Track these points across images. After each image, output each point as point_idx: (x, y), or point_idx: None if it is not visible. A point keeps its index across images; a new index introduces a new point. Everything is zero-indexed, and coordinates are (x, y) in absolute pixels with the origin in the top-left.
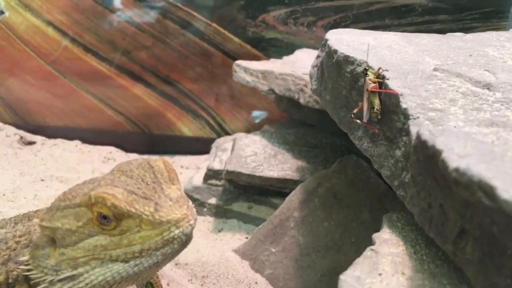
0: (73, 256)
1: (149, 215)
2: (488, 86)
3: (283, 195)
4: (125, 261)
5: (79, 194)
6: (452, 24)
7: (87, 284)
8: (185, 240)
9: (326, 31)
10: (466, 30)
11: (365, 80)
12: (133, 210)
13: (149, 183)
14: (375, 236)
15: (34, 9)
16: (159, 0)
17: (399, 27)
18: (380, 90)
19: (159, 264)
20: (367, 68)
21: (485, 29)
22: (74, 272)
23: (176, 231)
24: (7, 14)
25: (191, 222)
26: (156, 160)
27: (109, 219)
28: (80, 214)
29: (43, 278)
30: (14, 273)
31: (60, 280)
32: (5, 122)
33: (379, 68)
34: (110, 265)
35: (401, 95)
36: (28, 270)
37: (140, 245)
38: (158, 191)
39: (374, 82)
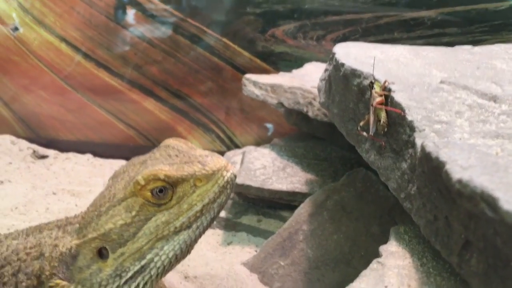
0: (137, 248)
1: (201, 170)
2: (494, 99)
3: (292, 208)
4: (188, 226)
5: (117, 191)
6: (461, 37)
7: (158, 267)
8: (235, 181)
9: (335, 45)
10: (476, 43)
11: (371, 93)
12: (185, 173)
13: (177, 154)
14: (382, 248)
15: (48, 25)
16: (170, 16)
17: (408, 40)
18: (386, 108)
19: (215, 219)
20: (373, 81)
21: (495, 41)
22: (143, 263)
23: (229, 174)
24: (21, 30)
25: (231, 165)
26: (166, 140)
27: (165, 191)
28: (130, 205)
29: None
30: (24, 284)
31: (126, 281)
32: (19, 136)
33: (385, 81)
34: (175, 237)
35: (405, 114)
36: None
37: (200, 203)
38: (191, 155)
39: (380, 95)
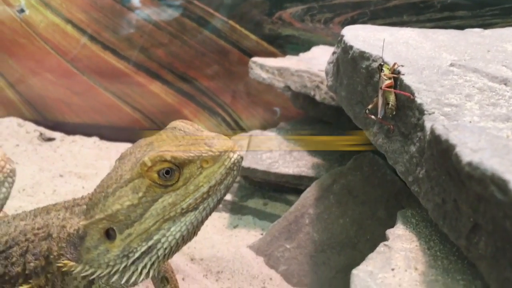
0: (144, 229)
1: (207, 152)
2: (505, 81)
3: (298, 192)
4: (195, 208)
5: (124, 173)
6: (471, 20)
7: (165, 248)
8: (241, 163)
9: (343, 28)
10: (486, 26)
11: (380, 76)
12: (192, 155)
13: (184, 136)
14: (389, 232)
15: (54, 7)
16: None
17: (417, 24)
18: (395, 91)
19: (221, 201)
20: (382, 63)
21: (505, 25)
22: (150, 243)
23: (235, 155)
24: (27, 12)
25: (238, 147)
26: (173, 122)
27: (172, 172)
28: (137, 186)
29: (112, 271)
30: (32, 264)
31: (133, 262)
32: (25, 119)
33: (395, 64)
34: (182, 219)
35: (414, 97)
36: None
37: (207, 184)
38: (197, 137)
39: (389, 78)
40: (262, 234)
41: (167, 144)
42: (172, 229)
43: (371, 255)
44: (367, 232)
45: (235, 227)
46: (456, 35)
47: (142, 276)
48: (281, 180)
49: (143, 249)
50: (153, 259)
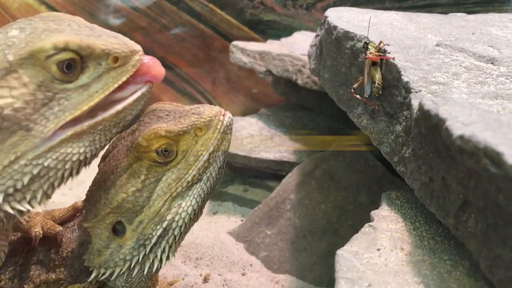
0: (155, 211)
1: (198, 119)
2: (492, 61)
3: (279, 178)
4: (200, 179)
5: (118, 162)
6: (453, 9)
7: (180, 226)
8: (232, 124)
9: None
10: (468, 14)
11: (366, 54)
12: (185, 125)
13: (168, 114)
14: (374, 213)
15: None
16: None
17: (400, 10)
18: (381, 57)
19: (222, 169)
20: (367, 42)
21: (487, 13)
22: (165, 225)
23: (226, 118)
24: None
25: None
26: (150, 106)
27: (170, 148)
28: (137, 170)
29: (131, 265)
30: None
31: (151, 249)
32: None
33: (380, 42)
34: (189, 192)
35: (393, 58)
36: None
37: (206, 151)
38: (182, 110)
39: (375, 56)
40: (242, 221)
41: (157, 123)
42: (183, 205)
43: (356, 236)
44: (348, 217)
45: (214, 213)
46: (440, 19)
47: (164, 262)
48: (262, 165)
49: (158, 232)
50: (170, 241)
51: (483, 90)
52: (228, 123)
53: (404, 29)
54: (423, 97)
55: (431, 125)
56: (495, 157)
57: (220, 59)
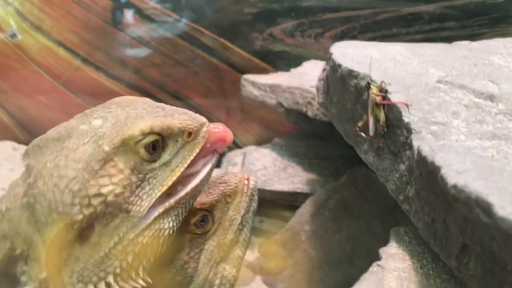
0: (203, 279)
1: (226, 187)
2: (491, 98)
3: (294, 207)
4: (236, 241)
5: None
6: (460, 31)
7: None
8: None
9: (334, 42)
10: (475, 36)
11: (368, 94)
12: (215, 195)
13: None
14: (382, 250)
15: (45, 31)
16: (168, 18)
17: (407, 36)
18: (389, 102)
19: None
20: (369, 82)
21: (493, 35)
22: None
23: (251, 182)
24: (19, 37)
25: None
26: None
27: (206, 218)
28: (180, 245)
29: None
30: None
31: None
32: (20, 142)
33: (382, 82)
34: (231, 255)
35: (410, 105)
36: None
37: (238, 215)
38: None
39: (377, 96)
40: (259, 252)
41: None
42: (227, 268)
43: (365, 276)
44: (363, 247)
45: None
46: (444, 49)
47: None
48: (276, 197)
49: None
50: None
51: (481, 129)
52: (253, 186)
53: (407, 63)
54: (423, 139)
55: (429, 171)
56: (486, 208)
57: (232, 90)
